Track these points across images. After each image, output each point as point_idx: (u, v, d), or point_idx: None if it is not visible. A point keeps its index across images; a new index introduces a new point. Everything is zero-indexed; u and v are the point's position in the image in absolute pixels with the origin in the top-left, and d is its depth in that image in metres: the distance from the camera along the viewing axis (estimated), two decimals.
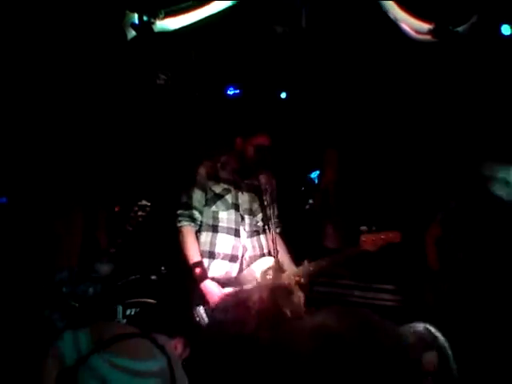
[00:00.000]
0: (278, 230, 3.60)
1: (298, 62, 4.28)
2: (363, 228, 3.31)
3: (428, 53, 3.30)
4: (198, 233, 3.49)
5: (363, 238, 3.32)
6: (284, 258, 3.52)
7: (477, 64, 3.23)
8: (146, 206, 3.43)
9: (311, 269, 3.37)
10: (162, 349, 1.58)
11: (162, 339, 1.64)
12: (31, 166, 3.70)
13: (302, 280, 3.33)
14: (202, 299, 3.31)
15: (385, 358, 0.96)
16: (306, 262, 3.43)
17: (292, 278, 3.34)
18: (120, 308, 3.80)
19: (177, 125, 4.47)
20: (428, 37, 3.00)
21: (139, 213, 3.39)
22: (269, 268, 3.37)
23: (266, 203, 3.53)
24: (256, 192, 3.57)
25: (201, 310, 3.33)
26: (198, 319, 3.31)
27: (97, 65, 3.56)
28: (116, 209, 4.23)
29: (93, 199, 3.82)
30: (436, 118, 3.98)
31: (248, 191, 3.56)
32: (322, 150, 4.68)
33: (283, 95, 4.75)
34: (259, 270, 3.39)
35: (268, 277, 3.34)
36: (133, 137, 4.33)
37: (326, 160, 4.72)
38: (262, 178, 3.57)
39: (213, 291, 3.29)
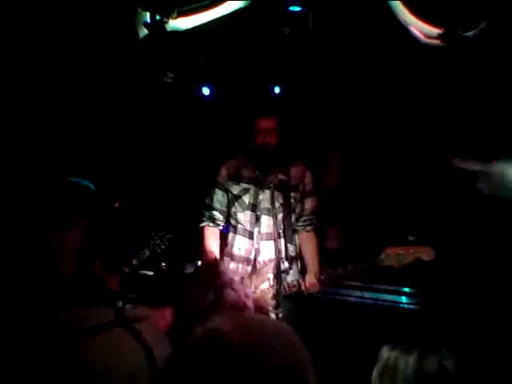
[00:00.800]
0: (308, 229, 3.43)
1: (304, 63, 4.29)
2: (393, 239, 3.06)
3: (436, 57, 3.31)
4: (225, 233, 3.52)
5: (388, 250, 3.02)
6: (307, 259, 3.38)
7: (486, 69, 3.24)
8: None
9: (322, 278, 3.26)
10: (138, 336, 1.57)
11: (140, 316, 1.66)
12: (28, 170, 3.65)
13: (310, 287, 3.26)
14: None
15: (279, 371, 0.94)
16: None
17: (297, 283, 3.28)
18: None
19: (184, 124, 4.48)
20: (437, 41, 3.00)
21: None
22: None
23: (293, 200, 3.37)
24: (282, 188, 3.32)
25: None
26: None
27: (106, 62, 3.56)
28: (116, 204, 4.22)
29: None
30: (441, 120, 3.99)
31: (270, 188, 3.22)
32: (326, 151, 4.69)
33: (278, 91, 4.73)
34: (270, 270, 3.18)
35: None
36: (139, 135, 4.33)
37: (329, 161, 4.73)
38: (292, 171, 3.39)
39: None
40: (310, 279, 3.29)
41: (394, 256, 3.04)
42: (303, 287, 3.28)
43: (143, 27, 3.02)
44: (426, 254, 2.97)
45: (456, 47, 2.92)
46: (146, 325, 1.64)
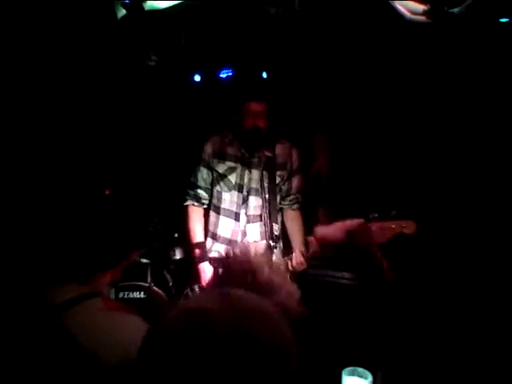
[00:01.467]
0: (294, 207, 3.46)
1: (290, 44, 4.24)
2: (373, 215, 2.89)
3: (422, 35, 3.27)
4: (208, 212, 3.46)
5: (371, 226, 2.97)
6: (293, 238, 3.41)
7: (472, 46, 3.21)
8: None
9: (309, 255, 3.20)
10: None
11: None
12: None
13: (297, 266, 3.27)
14: (197, 279, 3.33)
15: (257, 351, 0.91)
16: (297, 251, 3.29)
17: (284, 262, 3.29)
18: (113, 290, 3.79)
19: (173, 108, 4.43)
20: (423, 18, 2.97)
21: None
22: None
23: (279, 179, 3.35)
24: (269, 167, 3.32)
25: (196, 288, 3.35)
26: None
27: (85, 45, 3.49)
28: (106, 191, 4.19)
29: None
30: (428, 102, 3.96)
31: (258, 168, 3.28)
32: (313, 133, 4.65)
33: (266, 75, 4.68)
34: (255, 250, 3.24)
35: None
36: (124, 121, 4.28)
37: (317, 144, 4.70)
38: (278, 149, 3.37)
39: (206, 274, 3.29)
40: (298, 257, 3.28)
41: (377, 231, 3.06)
42: (290, 266, 3.27)
43: (121, 7, 2.95)
44: (408, 228, 3.00)
45: (441, 24, 2.88)
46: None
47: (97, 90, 4.05)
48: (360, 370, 1.73)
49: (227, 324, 0.91)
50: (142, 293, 4.01)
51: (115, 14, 2.95)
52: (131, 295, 3.99)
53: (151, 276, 4.16)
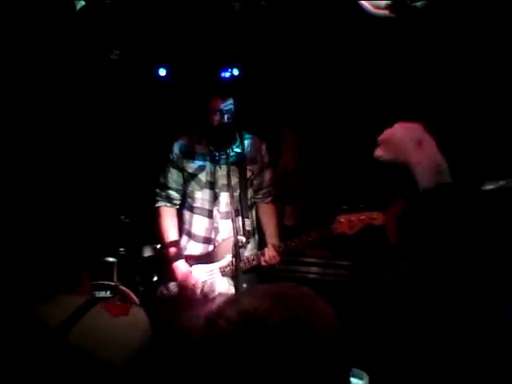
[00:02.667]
0: (267, 200, 3.48)
1: (254, 39, 4.22)
2: (344, 207, 3.07)
3: (387, 28, 3.29)
4: (181, 211, 3.46)
5: (340, 218, 3.08)
6: (268, 232, 3.42)
7: (435, 39, 3.25)
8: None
9: (280, 249, 3.28)
10: None
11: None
12: None
13: (277, 255, 3.27)
14: (172, 277, 3.34)
15: (314, 347, 0.87)
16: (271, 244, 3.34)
17: (263, 252, 3.29)
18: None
19: (136, 104, 4.36)
20: (386, 12, 2.98)
21: None
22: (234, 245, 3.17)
23: (250, 173, 3.35)
24: (238, 163, 3.30)
25: (171, 286, 3.36)
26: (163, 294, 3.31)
27: (44, 39, 3.40)
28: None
29: None
30: (392, 90, 3.99)
31: (227, 164, 3.25)
32: (278, 128, 4.65)
33: (236, 72, 4.65)
34: (229, 246, 3.22)
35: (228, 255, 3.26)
36: (87, 118, 4.19)
37: (283, 138, 4.70)
38: (248, 145, 3.37)
39: (181, 271, 3.31)
40: (270, 251, 3.29)
41: (346, 223, 3.09)
42: (262, 260, 3.28)
43: None
44: (377, 220, 3.03)
45: (405, 17, 2.91)
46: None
47: (57, 86, 3.95)
48: (356, 370, 1.71)
49: (281, 321, 0.87)
50: (109, 292, 3.94)
51: (73, 6, 2.87)
52: (98, 294, 3.92)
53: (118, 275, 4.10)
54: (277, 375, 0.83)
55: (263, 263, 3.30)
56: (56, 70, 3.75)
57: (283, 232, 3.60)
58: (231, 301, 0.92)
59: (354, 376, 1.73)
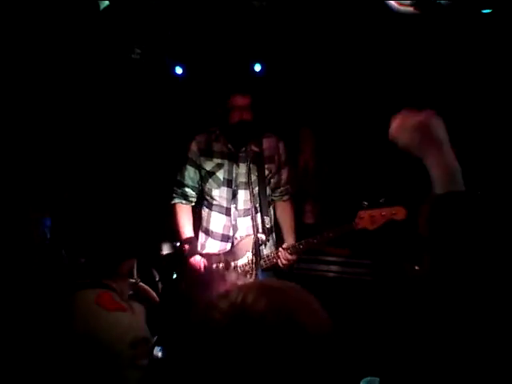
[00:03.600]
0: (285, 198, 3.50)
1: (275, 36, 4.20)
2: (364, 203, 3.01)
3: (410, 26, 3.26)
4: (199, 208, 3.49)
5: (361, 214, 3.06)
6: (285, 229, 3.43)
7: (459, 37, 3.20)
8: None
9: (301, 246, 3.26)
10: None
11: None
12: None
13: (292, 256, 3.26)
14: (190, 273, 3.33)
15: (308, 345, 0.88)
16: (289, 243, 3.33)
17: (277, 253, 3.28)
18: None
19: (155, 103, 4.37)
20: (411, 8, 2.95)
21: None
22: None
23: (268, 172, 3.35)
24: (257, 161, 3.29)
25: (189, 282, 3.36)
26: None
27: (67, 38, 3.42)
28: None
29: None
30: (416, 93, 3.95)
31: (246, 162, 3.24)
32: (298, 127, 4.63)
33: (258, 68, 4.64)
34: (250, 244, 3.20)
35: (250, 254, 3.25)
36: (108, 116, 4.21)
37: (302, 138, 4.68)
38: (265, 143, 3.37)
39: (197, 267, 3.31)
40: (283, 254, 3.27)
41: (367, 218, 3.07)
42: (280, 263, 3.27)
43: None
44: (398, 215, 3.01)
45: (429, 14, 2.87)
46: None
47: (79, 84, 3.97)
48: (370, 379, 1.69)
49: (265, 310, 0.90)
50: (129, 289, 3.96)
51: (98, 6, 2.88)
52: None
53: (138, 272, 4.11)
54: (261, 365, 0.86)
55: (281, 265, 3.28)
56: (77, 68, 3.77)
57: (304, 230, 3.59)
58: (224, 293, 0.95)
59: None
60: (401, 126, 1.26)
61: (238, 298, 0.92)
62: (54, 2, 3.21)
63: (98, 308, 1.82)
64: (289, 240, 3.38)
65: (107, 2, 2.88)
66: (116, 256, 2.02)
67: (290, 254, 3.25)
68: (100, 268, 1.97)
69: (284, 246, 3.31)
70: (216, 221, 3.41)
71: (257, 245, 3.16)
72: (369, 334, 3.34)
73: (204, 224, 3.47)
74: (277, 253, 3.29)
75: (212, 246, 3.43)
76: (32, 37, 3.42)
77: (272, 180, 3.43)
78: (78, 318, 1.79)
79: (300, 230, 3.56)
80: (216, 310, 0.93)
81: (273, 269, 3.33)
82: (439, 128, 1.22)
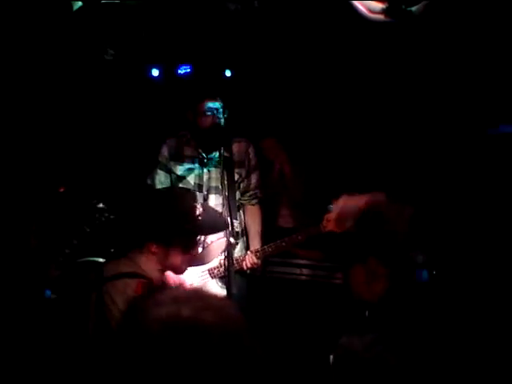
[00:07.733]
0: (253, 202, 3.52)
1: (248, 41, 4.22)
2: (330, 206, 2.90)
3: (381, 33, 3.31)
4: None
5: (328, 217, 3.06)
6: (251, 233, 3.45)
7: (430, 43, 3.26)
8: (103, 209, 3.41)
9: (270, 249, 3.30)
10: None
11: None
12: None
13: (258, 260, 3.28)
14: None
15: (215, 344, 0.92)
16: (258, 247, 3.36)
17: (244, 257, 3.29)
18: None
19: (127, 103, 4.33)
20: (381, 16, 3.00)
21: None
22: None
23: (237, 176, 3.37)
24: (227, 166, 3.24)
25: None
26: None
27: (39, 39, 3.38)
28: (61, 189, 4.10)
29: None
30: (383, 98, 3.99)
31: (216, 166, 3.26)
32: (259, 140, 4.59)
33: (228, 73, 4.63)
34: (220, 248, 3.20)
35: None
36: (80, 116, 4.16)
37: (268, 149, 4.64)
38: (235, 148, 3.37)
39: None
40: (249, 258, 3.30)
41: (334, 222, 3.06)
42: (244, 265, 3.29)
43: None
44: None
45: (400, 22, 2.93)
46: None
47: (51, 85, 3.92)
48: None
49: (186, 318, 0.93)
50: None
51: (70, 6, 2.86)
52: None
53: None
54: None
55: (245, 268, 3.31)
56: (50, 69, 3.73)
57: (281, 234, 3.60)
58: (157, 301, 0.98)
59: None
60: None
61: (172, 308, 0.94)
62: (27, 1, 3.17)
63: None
64: (254, 243, 3.41)
65: (80, 3, 2.86)
66: None
67: (258, 257, 3.27)
68: None
69: (252, 248, 3.33)
70: None
71: (229, 248, 3.16)
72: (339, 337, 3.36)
73: None
74: (244, 256, 3.31)
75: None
76: (4, 36, 3.37)
77: (241, 184, 3.46)
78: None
79: (277, 235, 3.57)
80: (151, 317, 0.94)
81: (244, 273, 3.34)
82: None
